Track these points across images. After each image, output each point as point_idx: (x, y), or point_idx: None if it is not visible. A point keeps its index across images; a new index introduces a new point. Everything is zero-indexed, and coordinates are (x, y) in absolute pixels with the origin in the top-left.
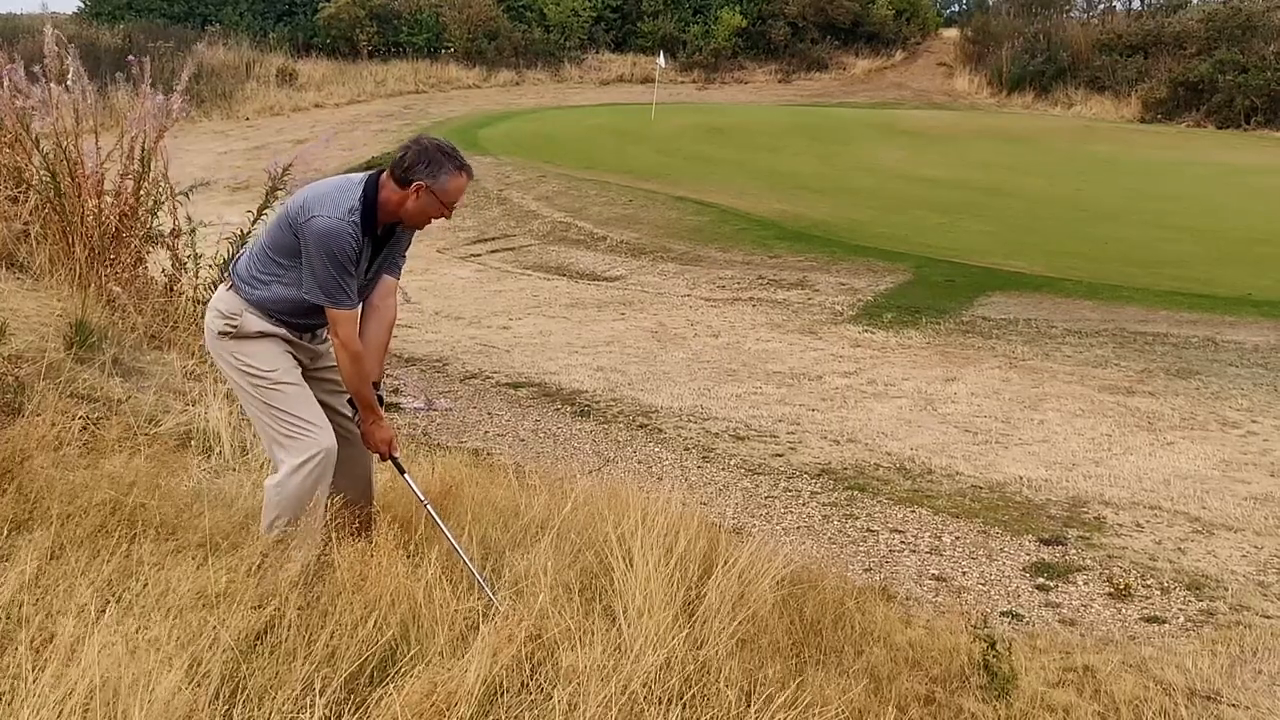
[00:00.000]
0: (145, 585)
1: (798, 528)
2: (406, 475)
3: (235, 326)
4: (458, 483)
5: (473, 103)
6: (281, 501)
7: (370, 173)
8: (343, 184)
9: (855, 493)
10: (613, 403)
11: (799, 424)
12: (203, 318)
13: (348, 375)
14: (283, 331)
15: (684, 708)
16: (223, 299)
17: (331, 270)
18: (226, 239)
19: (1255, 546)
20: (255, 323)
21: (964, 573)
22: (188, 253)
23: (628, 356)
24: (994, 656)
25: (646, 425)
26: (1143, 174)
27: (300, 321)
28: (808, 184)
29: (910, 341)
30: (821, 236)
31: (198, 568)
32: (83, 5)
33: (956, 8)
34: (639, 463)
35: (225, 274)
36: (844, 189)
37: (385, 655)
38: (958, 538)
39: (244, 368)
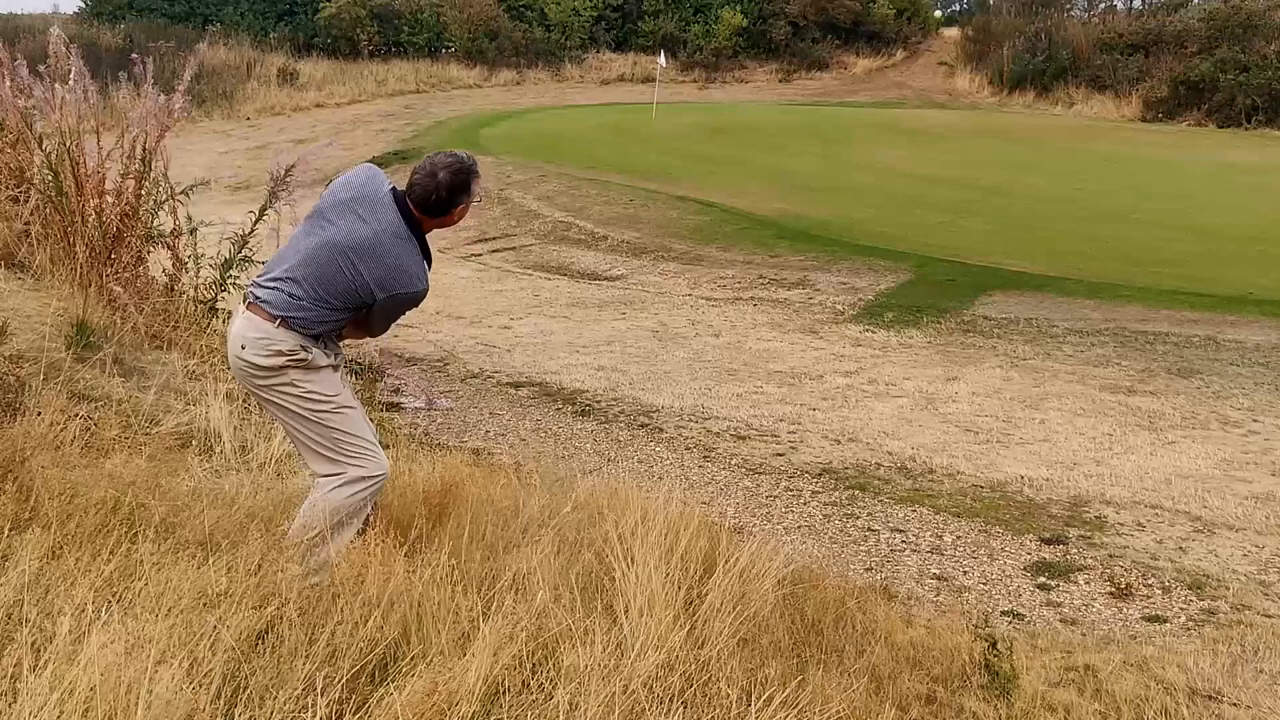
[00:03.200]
0: (145, 585)
1: (799, 527)
2: None
3: (302, 361)
4: (458, 482)
5: (474, 102)
6: (331, 512)
7: (405, 219)
8: (398, 246)
9: (856, 492)
10: (613, 402)
11: (800, 423)
12: (203, 317)
13: (354, 338)
14: (333, 359)
15: (685, 707)
16: (278, 336)
17: (403, 315)
18: (227, 239)
19: (1256, 546)
20: (321, 357)
21: (965, 572)
22: (188, 252)
23: (629, 356)
24: (995, 656)
25: (647, 425)
26: (1144, 173)
27: (336, 331)
28: (809, 183)
29: (911, 341)
30: (822, 236)
31: (198, 567)
32: (83, 5)
33: (957, 7)
34: (640, 462)
35: (253, 301)
36: (845, 188)
37: (386, 655)
38: (959, 537)
39: (307, 395)
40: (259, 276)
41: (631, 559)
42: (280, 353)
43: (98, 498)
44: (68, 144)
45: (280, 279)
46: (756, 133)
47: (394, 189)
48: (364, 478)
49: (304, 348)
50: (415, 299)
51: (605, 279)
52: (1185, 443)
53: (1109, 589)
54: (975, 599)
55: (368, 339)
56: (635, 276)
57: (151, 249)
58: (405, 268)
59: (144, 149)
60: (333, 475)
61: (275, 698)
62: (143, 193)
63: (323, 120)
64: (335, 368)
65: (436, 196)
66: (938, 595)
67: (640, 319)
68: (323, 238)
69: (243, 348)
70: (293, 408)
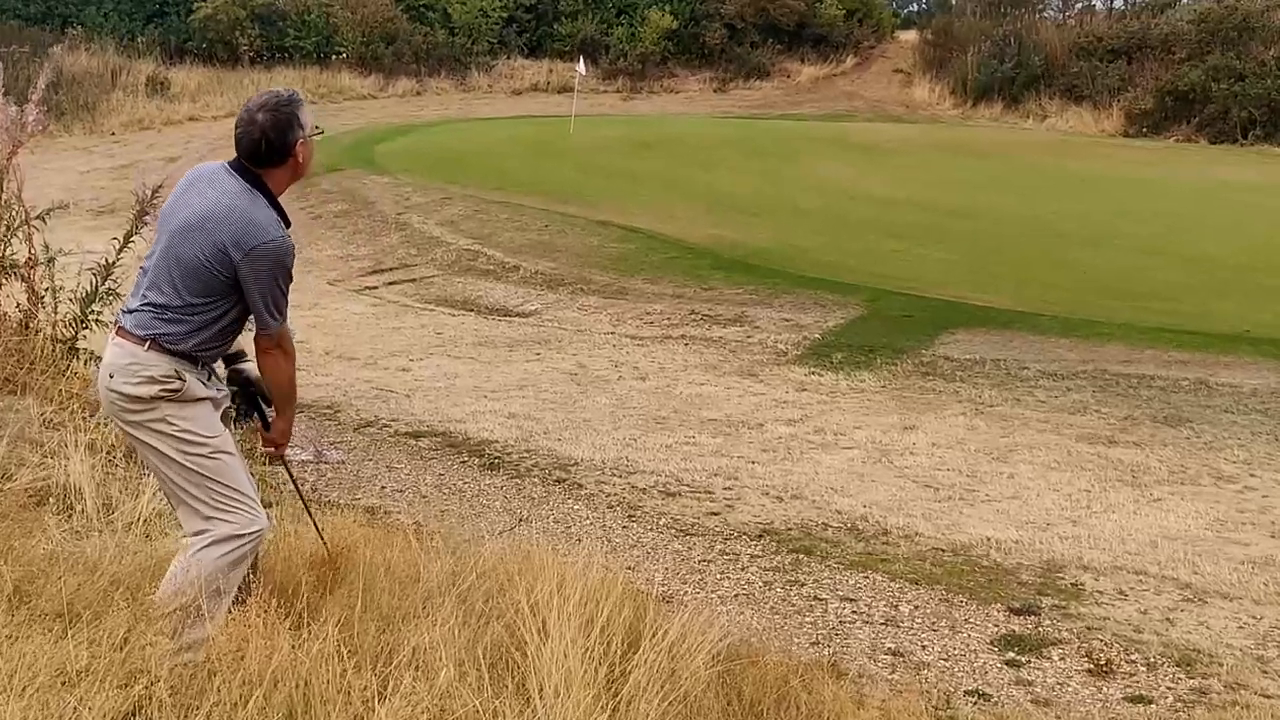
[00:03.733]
0: None
1: (736, 596)
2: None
3: (176, 391)
4: (350, 545)
5: (368, 115)
6: (205, 577)
7: (244, 179)
8: (243, 201)
9: (801, 556)
10: (526, 454)
11: (737, 478)
12: (62, 358)
13: (290, 379)
14: (212, 392)
15: None
16: (149, 361)
17: (282, 288)
18: (89, 269)
19: (1253, 617)
20: (198, 387)
21: (924, 646)
22: (45, 285)
23: (543, 402)
24: None
25: (564, 480)
26: (1126, 194)
27: (217, 352)
28: (747, 206)
29: (863, 385)
30: (762, 265)
31: (56, 641)
32: None
33: (915, 7)
34: (556, 522)
35: (121, 328)
36: (788, 211)
37: None
38: (917, 607)
39: (182, 433)
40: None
41: (546, 632)
42: (153, 379)
43: None
44: None
45: (142, 295)
46: (688, 148)
47: (227, 163)
48: (235, 535)
49: (178, 374)
50: (279, 255)
51: (517, 315)
52: (1173, 500)
53: (1087, 665)
54: (935, 677)
55: (284, 360)
56: (551, 312)
57: (3, 281)
58: (254, 219)
59: None
60: (202, 532)
61: None
62: None
63: (197, 135)
64: (216, 404)
65: (265, 141)
66: (893, 672)
67: (556, 360)
68: (170, 231)
69: (111, 376)
70: (164, 449)
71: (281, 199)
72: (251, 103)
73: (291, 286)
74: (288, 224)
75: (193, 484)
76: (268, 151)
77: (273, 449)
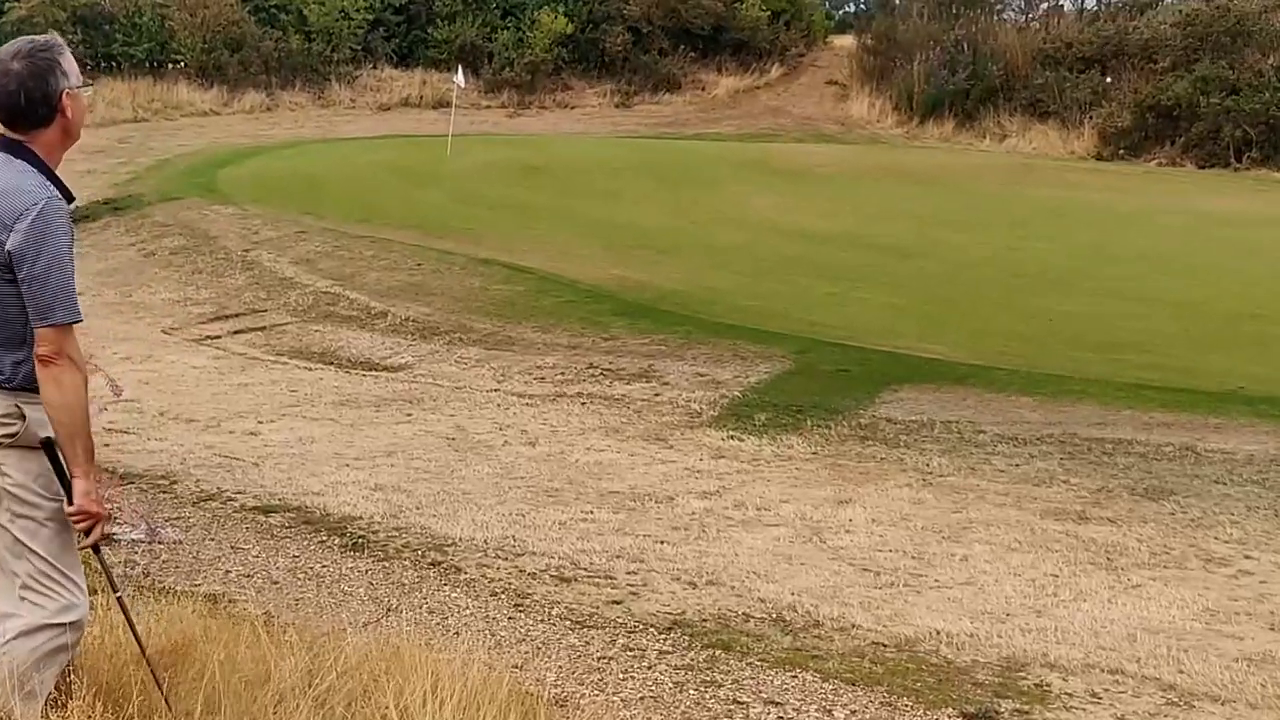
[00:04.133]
0: None
1: (641, 698)
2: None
3: (15, 434)
4: (189, 639)
5: (210, 133)
6: (18, 672)
7: (6, 151)
8: (4, 173)
9: (718, 652)
10: (396, 533)
11: (643, 561)
12: None
13: (81, 403)
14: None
15: None
16: None
17: (69, 266)
18: None
19: None
20: (42, 426)
21: None
22: None
23: (415, 471)
24: None
25: (440, 563)
26: (1100, 228)
27: None
28: (654, 241)
29: (791, 451)
30: (673, 311)
31: None
32: None
33: (851, 8)
34: (430, 612)
35: None
36: (702, 248)
37: None
38: (854, 711)
39: (14, 488)
40: None
41: None
42: None
43: None
44: None
45: None
46: (585, 174)
47: None
48: (48, 625)
49: (20, 410)
50: (49, 217)
51: (384, 369)
52: (1155, 586)
53: None
54: None
55: (74, 374)
56: (424, 366)
57: None
58: (16, 187)
59: None
60: (10, 617)
61: None
62: None
63: None
64: (42, 449)
65: (24, 93)
66: None
67: (431, 422)
68: None
69: None
70: None
71: (109, 230)
72: (3, 52)
73: (120, 336)
74: (69, 198)
75: (13, 553)
76: (28, 105)
77: (85, 522)
